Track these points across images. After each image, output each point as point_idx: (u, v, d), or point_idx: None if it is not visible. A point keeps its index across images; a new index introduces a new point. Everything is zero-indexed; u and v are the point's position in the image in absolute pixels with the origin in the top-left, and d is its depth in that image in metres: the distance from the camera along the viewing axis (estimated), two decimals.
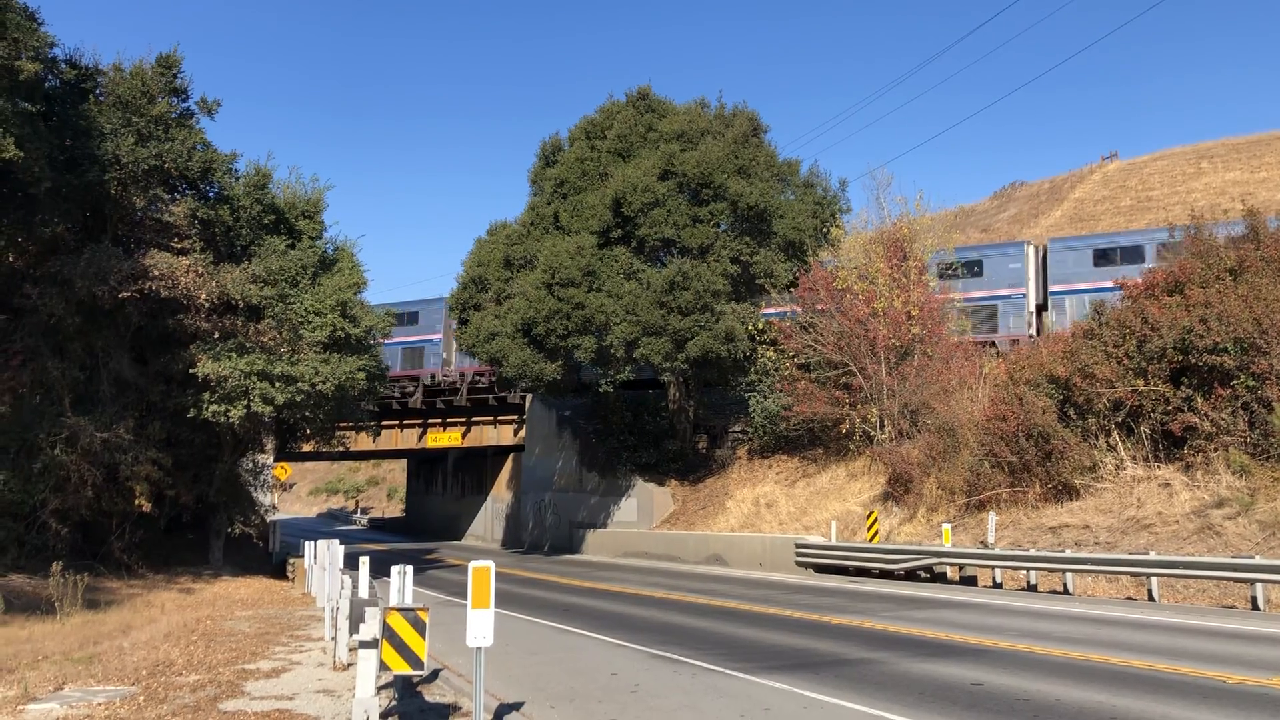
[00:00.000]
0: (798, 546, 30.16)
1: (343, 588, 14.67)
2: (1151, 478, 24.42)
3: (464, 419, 55.66)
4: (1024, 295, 39.11)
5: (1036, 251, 40.05)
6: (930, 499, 29.70)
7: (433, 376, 53.15)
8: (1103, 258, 37.80)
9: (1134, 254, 37.23)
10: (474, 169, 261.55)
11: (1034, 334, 38.20)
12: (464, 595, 10.38)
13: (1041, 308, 39.37)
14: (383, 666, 10.64)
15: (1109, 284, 35.65)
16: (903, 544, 27.91)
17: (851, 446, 35.01)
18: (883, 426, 33.55)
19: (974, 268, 39.35)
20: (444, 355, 52.68)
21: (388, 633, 10.28)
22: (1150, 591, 20.98)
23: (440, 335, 52.99)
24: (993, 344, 37.08)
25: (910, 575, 26.38)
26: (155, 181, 27.74)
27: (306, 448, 43.04)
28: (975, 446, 28.36)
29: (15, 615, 18.78)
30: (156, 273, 26.51)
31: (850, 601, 21.73)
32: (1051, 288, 38.95)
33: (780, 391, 37.22)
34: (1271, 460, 22.27)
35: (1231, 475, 22.62)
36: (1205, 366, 23.82)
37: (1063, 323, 37.14)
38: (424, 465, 71.67)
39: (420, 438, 56.89)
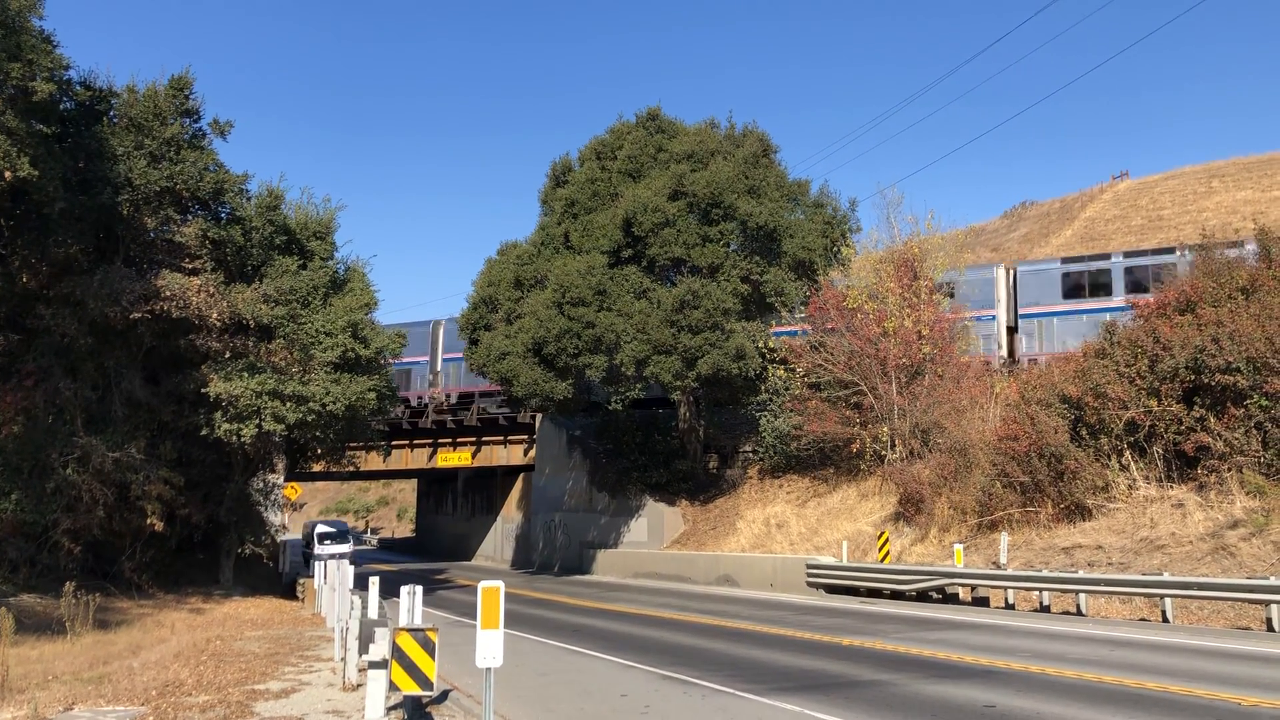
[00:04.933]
0: (809, 567, 30.03)
1: (352, 608, 14.64)
2: (1165, 498, 24.28)
3: (474, 439, 55.69)
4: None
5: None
6: (942, 519, 29.56)
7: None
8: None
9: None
10: (484, 190, 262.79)
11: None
12: (473, 616, 10.37)
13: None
14: (392, 687, 10.63)
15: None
16: (914, 565, 27.77)
17: (863, 466, 34.90)
18: (894, 446, 33.45)
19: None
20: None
21: (397, 653, 10.27)
22: (1164, 613, 20.82)
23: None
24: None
25: (922, 596, 26.24)
26: (167, 203, 27.94)
27: (317, 467, 43.12)
28: (987, 466, 28.23)
29: (26, 635, 18.78)
30: (168, 293, 26.65)
31: (861, 622, 21.61)
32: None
33: (791, 411, 37.15)
34: None
35: (1246, 496, 22.46)
36: (1218, 386, 23.71)
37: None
38: (434, 485, 71.70)
39: (430, 457, 56.90)
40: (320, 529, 54.81)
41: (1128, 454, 25.39)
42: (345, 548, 51.71)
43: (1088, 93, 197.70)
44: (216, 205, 30.34)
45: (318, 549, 49.82)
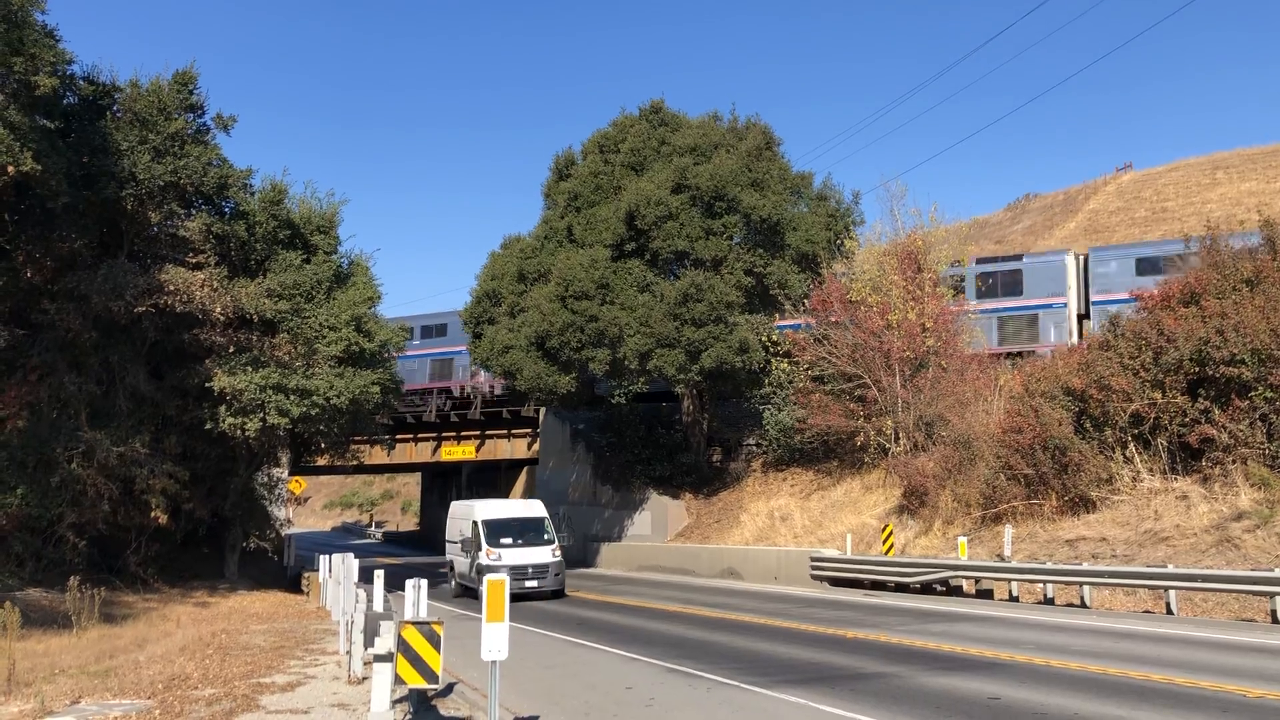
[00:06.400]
0: (813, 560, 30.04)
1: (357, 601, 14.68)
2: (1169, 490, 24.26)
3: (478, 432, 55.75)
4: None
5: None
6: (946, 512, 29.55)
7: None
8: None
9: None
10: (488, 183, 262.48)
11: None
12: (478, 609, 10.38)
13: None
14: (397, 680, 10.63)
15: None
16: (918, 557, 27.77)
17: (866, 459, 34.89)
18: (897, 439, 33.43)
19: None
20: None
21: (402, 646, 10.27)
22: (1169, 605, 20.81)
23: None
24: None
25: (926, 589, 26.24)
26: (171, 197, 27.94)
27: (321, 461, 43.15)
28: (991, 459, 28.21)
29: (33, 629, 18.83)
30: (172, 288, 26.68)
31: (866, 615, 21.63)
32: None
33: (794, 404, 37.14)
34: None
35: (1250, 487, 22.44)
36: (1222, 378, 23.67)
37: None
38: (438, 479, 71.78)
39: (434, 451, 56.98)
40: (490, 513, 30.38)
41: (1132, 446, 25.35)
42: (546, 554, 28.97)
43: (1090, 85, 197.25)
44: (220, 200, 30.34)
45: (488, 555, 28.43)
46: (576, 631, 20.30)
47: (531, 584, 28.06)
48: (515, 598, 25.07)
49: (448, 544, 33.59)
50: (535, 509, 31.72)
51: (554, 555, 29.13)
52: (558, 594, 28.86)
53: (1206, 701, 11.46)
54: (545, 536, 29.84)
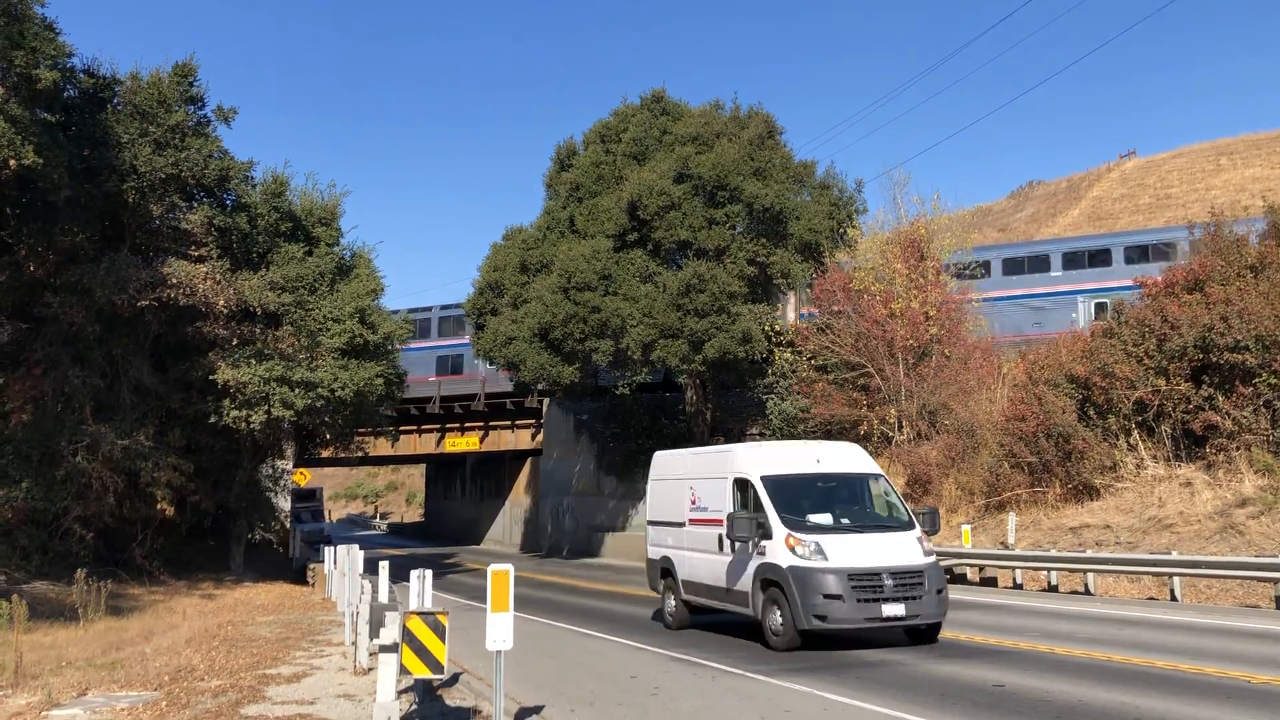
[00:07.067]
0: None
1: (362, 592, 14.70)
2: (1173, 477, 24.25)
3: (482, 423, 55.81)
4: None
5: None
6: (949, 500, 29.57)
7: None
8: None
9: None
10: (490, 177, 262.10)
11: None
12: (483, 599, 10.40)
13: None
14: (403, 670, 10.64)
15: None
16: None
17: (870, 448, 34.84)
18: (901, 428, 33.42)
19: None
20: None
21: (408, 637, 10.28)
22: (1173, 591, 20.82)
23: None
24: None
25: None
26: (172, 190, 27.92)
27: (326, 453, 43.20)
28: (994, 447, 28.23)
29: (40, 622, 18.89)
30: (175, 280, 26.67)
31: None
32: None
33: (798, 393, 37.13)
34: None
35: (1254, 474, 22.43)
36: (1226, 365, 23.65)
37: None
38: (442, 470, 71.90)
39: (439, 442, 57.04)
40: (776, 465, 15.98)
41: (1136, 433, 25.35)
42: (911, 547, 15.24)
43: (1094, 71, 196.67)
44: (222, 192, 30.30)
45: (791, 548, 14.67)
46: (581, 621, 20.34)
47: (895, 609, 14.45)
48: (863, 642, 14.94)
49: (650, 528, 19.42)
50: (858, 459, 16.98)
51: (924, 552, 15.34)
52: (934, 632, 15.48)
53: (1210, 688, 11.47)
54: (892, 513, 16.19)
